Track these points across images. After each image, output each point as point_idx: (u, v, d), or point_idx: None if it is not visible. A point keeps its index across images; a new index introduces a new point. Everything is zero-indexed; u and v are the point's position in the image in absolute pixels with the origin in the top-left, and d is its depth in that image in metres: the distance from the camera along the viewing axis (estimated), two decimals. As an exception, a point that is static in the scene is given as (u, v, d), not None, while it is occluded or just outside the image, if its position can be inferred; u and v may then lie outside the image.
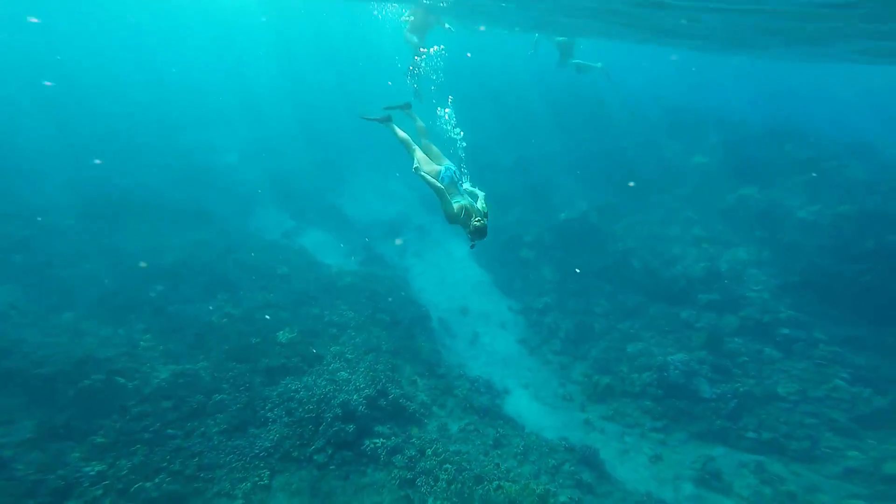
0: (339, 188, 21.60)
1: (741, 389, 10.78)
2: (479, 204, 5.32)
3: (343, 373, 9.77)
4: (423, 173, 5.46)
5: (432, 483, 7.71)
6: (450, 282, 15.99)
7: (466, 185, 5.65)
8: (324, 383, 9.32)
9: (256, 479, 7.60)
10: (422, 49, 12.23)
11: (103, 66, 34.43)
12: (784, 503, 8.42)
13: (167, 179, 18.67)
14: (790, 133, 20.15)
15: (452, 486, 7.63)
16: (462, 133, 6.42)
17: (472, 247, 5.26)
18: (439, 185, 5.35)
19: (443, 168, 5.58)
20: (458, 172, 5.68)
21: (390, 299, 13.44)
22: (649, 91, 27.38)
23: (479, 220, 5.00)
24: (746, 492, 8.67)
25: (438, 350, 12.09)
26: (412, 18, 13.38)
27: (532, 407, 10.89)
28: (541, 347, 13.01)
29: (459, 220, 5.19)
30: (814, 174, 17.42)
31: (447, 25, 13.13)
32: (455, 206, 5.24)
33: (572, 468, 8.48)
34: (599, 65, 13.84)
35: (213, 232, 16.07)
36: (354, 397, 8.89)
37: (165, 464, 7.50)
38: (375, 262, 16.58)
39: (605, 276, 14.79)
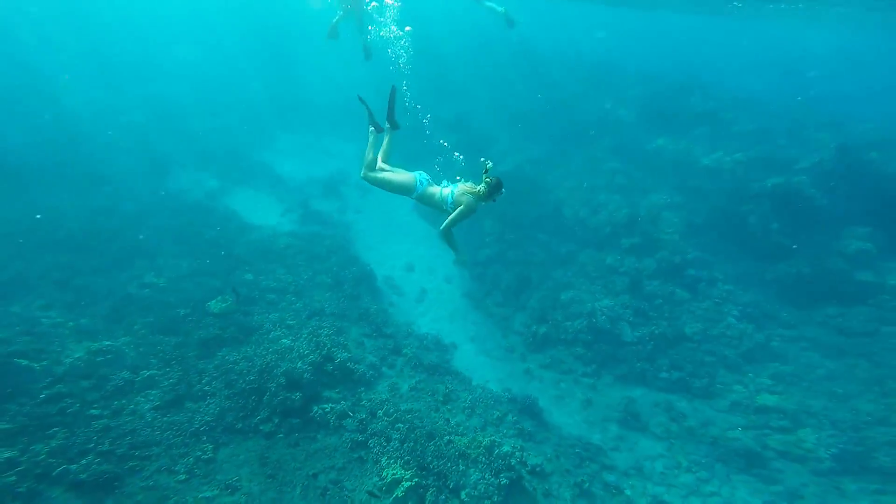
0: (268, 145, 19.37)
1: (657, 332, 11.34)
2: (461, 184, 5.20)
3: (285, 340, 9.01)
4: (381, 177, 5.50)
5: (385, 443, 7.44)
6: (394, 238, 15.19)
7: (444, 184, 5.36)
8: (264, 353, 8.54)
9: (199, 453, 6.93)
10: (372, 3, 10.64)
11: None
12: (685, 437, 9.12)
13: (57, 140, 15.55)
14: (695, 87, 20.77)
15: (405, 445, 7.41)
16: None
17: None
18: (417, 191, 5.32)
19: (416, 174, 5.39)
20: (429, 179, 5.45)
21: (332, 260, 12.47)
22: (580, 46, 26.73)
23: (486, 180, 4.98)
24: (659, 429, 9.32)
25: (385, 309, 11.55)
26: None
27: (478, 360, 10.86)
28: (484, 300, 12.87)
29: (466, 199, 5.04)
30: (713, 126, 18.28)
31: None
32: (442, 190, 5.25)
33: (514, 418, 8.58)
34: (502, 9, 12.90)
35: (120, 196, 13.89)
36: (299, 364, 8.23)
37: (92, 444, 6.56)
38: (314, 221, 15.26)
39: (539, 226, 14.72)
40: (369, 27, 10.45)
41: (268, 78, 23.47)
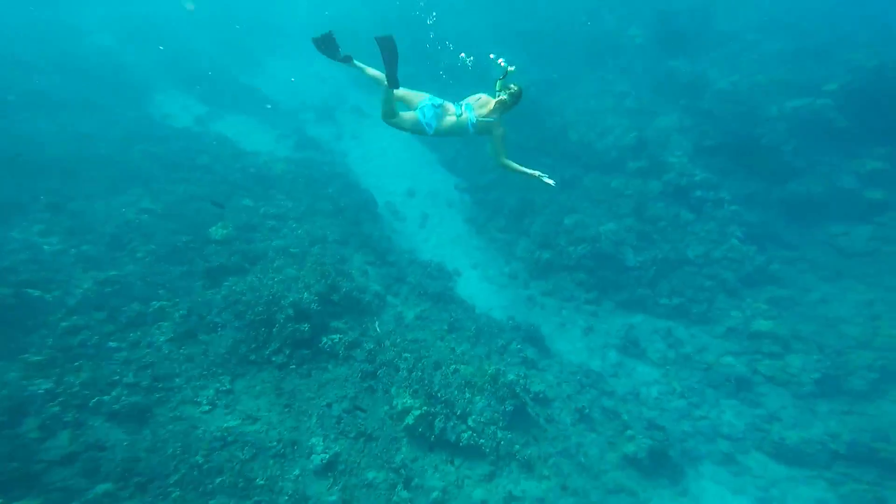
0: (253, 70, 17.53)
1: (659, 256, 11.05)
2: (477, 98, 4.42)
3: (290, 269, 8.67)
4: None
5: (393, 373, 7.48)
6: (394, 163, 14.33)
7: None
8: (270, 283, 8.23)
9: (218, 385, 6.91)
10: None
11: None
12: (680, 364, 9.23)
13: (16, 65, 13.88)
14: (718, 6, 18.44)
15: (413, 374, 7.46)
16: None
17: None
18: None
19: (418, 112, 4.37)
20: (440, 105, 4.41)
21: (332, 186, 11.79)
22: None
23: (511, 89, 4.22)
24: (656, 356, 9.40)
25: (388, 236, 11.16)
26: None
27: (481, 287, 10.71)
28: (486, 225, 12.42)
29: (493, 118, 4.32)
30: (734, 47, 16.51)
31: None
32: (459, 116, 4.35)
33: (518, 346, 8.59)
34: None
35: (104, 122, 12.74)
36: (305, 295, 7.98)
37: (118, 377, 6.51)
38: (310, 147, 14.26)
39: (544, 150, 13.84)
40: None
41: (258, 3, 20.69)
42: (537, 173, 4.46)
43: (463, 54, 4.86)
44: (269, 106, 13.26)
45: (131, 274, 7.94)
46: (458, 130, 4.42)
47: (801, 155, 12.79)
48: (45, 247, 8.19)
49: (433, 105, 4.39)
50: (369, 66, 4.59)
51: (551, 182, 4.52)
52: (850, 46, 15.72)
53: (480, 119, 4.33)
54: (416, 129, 4.47)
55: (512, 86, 4.20)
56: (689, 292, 10.60)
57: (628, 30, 17.72)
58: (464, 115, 4.37)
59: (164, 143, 12.41)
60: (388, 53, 4.16)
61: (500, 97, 4.22)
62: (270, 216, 10.37)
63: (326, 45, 4.42)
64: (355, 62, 4.48)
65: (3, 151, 10.47)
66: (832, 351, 9.22)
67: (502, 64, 4.27)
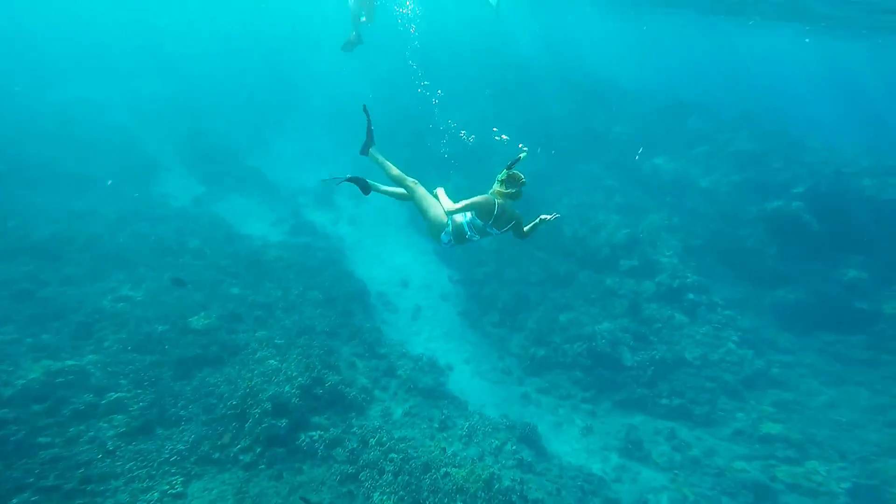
0: (260, 151, 18.89)
1: (657, 356, 11.19)
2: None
3: (272, 361, 8.54)
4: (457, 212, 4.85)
5: (377, 476, 7.03)
6: (389, 252, 14.83)
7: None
8: (249, 374, 8.07)
9: (166, 486, 6.34)
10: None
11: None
12: (689, 468, 8.85)
13: (35, 136, 14.94)
14: (692, 106, 21.12)
15: (399, 478, 7.00)
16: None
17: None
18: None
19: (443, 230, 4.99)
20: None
21: (324, 274, 12.08)
22: (581, 61, 26.95)
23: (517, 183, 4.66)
24: (661, 459, 9.03)
25: (378, 327, 11.19)
26: None
27: (474, 383, 10.51)
28: (481, 319, 12.58)
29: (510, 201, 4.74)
30: (710, 146, 18.50)
31: None
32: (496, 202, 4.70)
33: (513, 447, 8.24)
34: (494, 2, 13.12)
35: (102, 199, 13.32)
36: (286, 388, 7.77)
37: (32, 479, 5.87)
38: (306, 232, 14.85)
39: (538, 244, 14.50)
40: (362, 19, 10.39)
41: (263, 80, 23.19)
42: (546, 217, 4.82)
43: (463, 133, 5.50)
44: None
45: (91, 364, 7.70)
46: (467, 237, 4.91)
47: (784, 260, 13.73)
48: (-3, 336, 7.95)
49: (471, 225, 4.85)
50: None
51: (556, 215, 4.92)
52: (807, 150, 17.70)
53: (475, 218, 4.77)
54: (436, 229, 4.99)
55: (519, 176, 4.64)
56: (689, 393, 10.50)
57: (614, 127, 19.68)
58: (459, 218, 4.87)
59: (157, 224, 12.81)
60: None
61: (510, 190, 4.62)
62: (258, 305, 10.44)
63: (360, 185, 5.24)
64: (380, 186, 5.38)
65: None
66: (856, 458, 8.95)
67: (504, 139, 4.90)
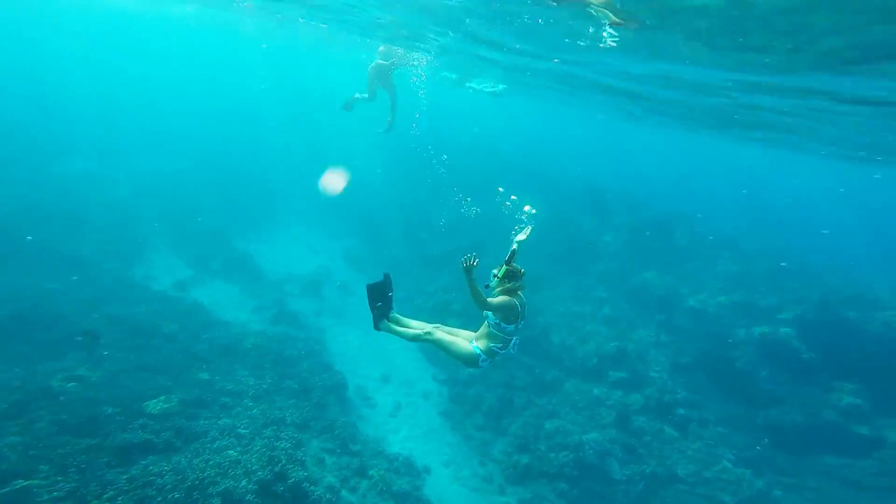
0: (251, 235, 20.00)
1: (647, 470, 11.39)
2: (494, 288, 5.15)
3: (232, 451, 8.43)
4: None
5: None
6: (372, 346, 15.28)
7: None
8: (202, 465, 7.85)
9: None
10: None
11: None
12: None
13: (22, 212, 15.90)
14: (678, 219, 23.38)
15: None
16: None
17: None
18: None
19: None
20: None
21: (303, 365, 12.46)
22: (572, 166, 29.92)
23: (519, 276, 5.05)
24: None
25: (354, 422, 11.30)
26: (383, 62, 13.70)
27: (453, 489, 10.40)
28: (463, 422, 12.73)
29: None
30: (697, 263, 20.16)
31: (414, 62, 13.87)
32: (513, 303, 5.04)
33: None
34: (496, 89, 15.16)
35: (80, 279, 13.80)
36: (243, 483, 7.62)
37: None
38: (287, 322, 15.46)
39: (526, 349, 15.14)
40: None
41: (262, 162, 25.20)
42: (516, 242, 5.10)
43: (468, 200, 6.19)
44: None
45: (8, 446, 7.24)
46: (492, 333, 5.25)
47: (776, 383, 14.57)
48: None
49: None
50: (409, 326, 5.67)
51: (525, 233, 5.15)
52: (787, 274, 19.34)
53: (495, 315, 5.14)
54: (470, 361, 5.22)
55: (519, 269, 5.08)
56: (683, 514, 10.41)
57: (604, 235, 21.44)
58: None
59: (132, 307, 13.10)
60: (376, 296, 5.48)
61: (516, 284, 5.05)
62: (226, 392, 10.48)
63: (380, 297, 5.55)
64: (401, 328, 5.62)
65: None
66: None
67: (514, 198, 5.35)
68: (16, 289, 12.34)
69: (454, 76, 20.84)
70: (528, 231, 5.22)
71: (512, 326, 5.05)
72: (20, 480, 6.77)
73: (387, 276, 5.69)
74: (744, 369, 14.86)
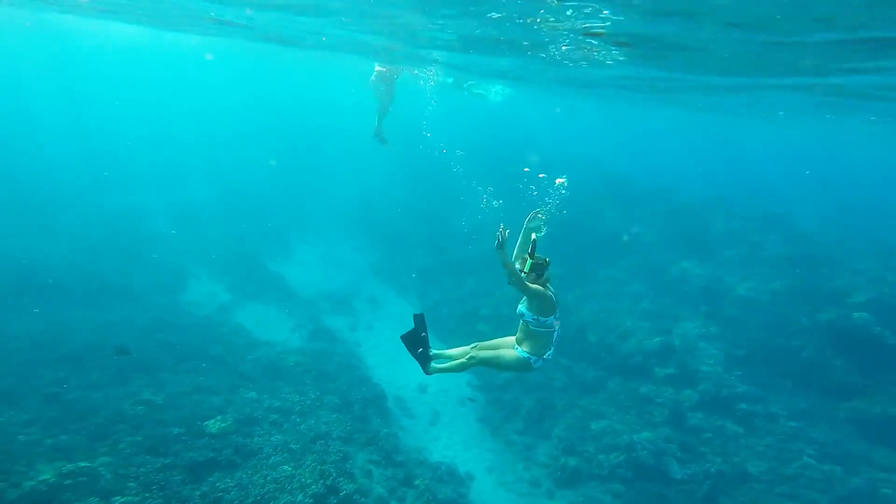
0: (283, 256, 20.56)
1: (712, 469, 10.49)
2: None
3: (286, 466, 8.72)
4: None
5: None
6: (406, 356, 14.98)
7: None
8: (262, 480, 8.26)
9: None
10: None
11: (16, 115, 31.59)
12: None
13: (85, 250, 17.08)
14: (715, 203, 22.01)
15: None
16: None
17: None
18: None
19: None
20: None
21: (341, 379, 12.57)
22: (591, 158, 28.95)
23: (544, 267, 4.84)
24: None
25: (395, 433, 11.15)
26: (382, 69, 13.93)
27: (498, 495, 9.96)
28: (503, 426, 12.27)
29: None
30: (740, 249, 18.84)
31: (416, 71, 13.94)
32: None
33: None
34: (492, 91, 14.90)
35: (134, 309, 14.68)
36: (299, 498, 7.90)
37: None
38: (324, 338, 15.63)
39: (561, 350, 14.54)
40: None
41: (288, 185, 25.78)
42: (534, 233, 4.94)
43: (485, 198, 6.00)
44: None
45: (103, 465, 7.95)
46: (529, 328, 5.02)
47: (857, 373, 13.16)
48: (20, 437, 8.47)
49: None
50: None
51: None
52: (854, 255, 17.70)
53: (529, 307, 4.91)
54: (522, 367, 5.05)
55: (544, 259, 4.85)
56: (762, 513, 9.55)
57: (632, 228, 20.24)
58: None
59: (182, 332, 13.83)
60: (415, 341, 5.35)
61: (543, 276, 4.84)
62: (274, 409, 10.85)
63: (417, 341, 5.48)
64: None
65: (31, 337, 11.83)
66: None
67: (542, 176, 5.12)
68: (84, 321, 13.31)
69: (451, 80, 20.79)
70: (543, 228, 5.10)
71: (551, 318, 4.87)
72: (118, 497, 7.42)
73: (417, 318, 5.61)
74: (813, 359, 13.66)
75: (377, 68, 14.00)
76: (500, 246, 4.42)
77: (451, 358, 5.48)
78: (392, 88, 13.67)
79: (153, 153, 27.75)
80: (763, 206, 23.95)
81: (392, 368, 14.43)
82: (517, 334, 5.11)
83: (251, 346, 13.92)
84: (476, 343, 5.39)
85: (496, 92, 22.61)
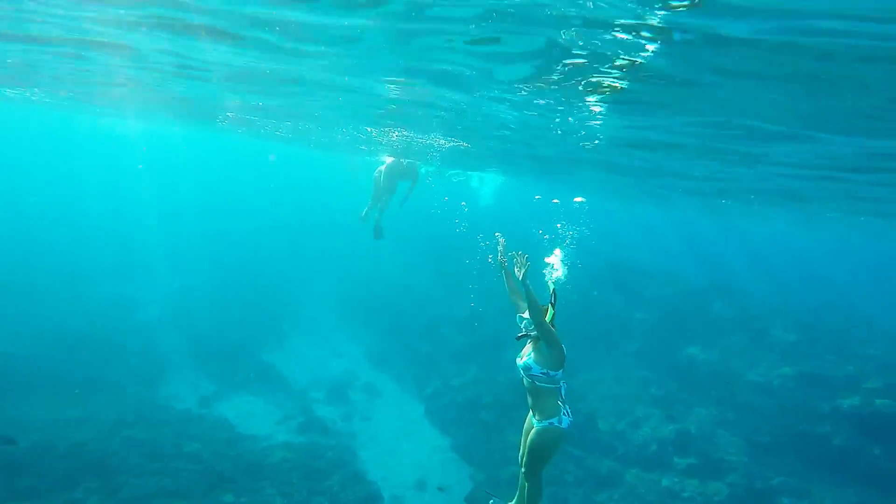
0: (275, 344, 19.71)
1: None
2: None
3: None
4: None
5: None
6: (404, 449, 13.89)
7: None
8: None
9: None
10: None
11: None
12: None
13: (61, 341, 16.23)
14: (716, 290, 22.22)
15: None
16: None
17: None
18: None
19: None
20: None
21: (334, 478, 11.33)
22: (592, 243, 29.30)
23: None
24: None
25: (391, 541, 9.71)
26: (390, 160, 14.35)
27: None
28: (515, 528, 10.83)
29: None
30: (744, 336, 18.72)
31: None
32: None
33: None
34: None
35: (103, 404, 13.59)
36: None
37: None
38: (315, 430, 14.40)
39: (571, 440, 13.56)
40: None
41: (281, 270, 25.37)
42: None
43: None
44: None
45: None
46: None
47: None
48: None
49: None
50: None
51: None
52: (855, 341, 17.53)
53: (536, 358, 4.61)
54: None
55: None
56: None
57: (635, 313, 20.23)
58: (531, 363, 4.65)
59: (155, 427, 12.66)
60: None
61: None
62: None
63: None
64: None
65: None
66: None
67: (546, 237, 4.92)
68: (40, 420, 11.98)
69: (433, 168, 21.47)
70: (559, 258, 5.02)
71: (560, 372, 4.56)
72: None
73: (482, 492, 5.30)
74: (847, 447, 12.86)
75: (389, 161, 14.21)
76: (522, 274, 4.29)
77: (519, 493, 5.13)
78: (394, 183, 13.75)
79: (145, 240, 27.46)
80: (760, 292, 24.26)
81: (389, 463, 13.12)
82: (530, 412, 4.77)
83: (233, 442, 12.67)
84: (520, 466, 5.06)
85: (481, 179, 23.51)
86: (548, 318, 4.50)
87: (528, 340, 4.74)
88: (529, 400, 4.73)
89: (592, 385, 16.22)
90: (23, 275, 20.29)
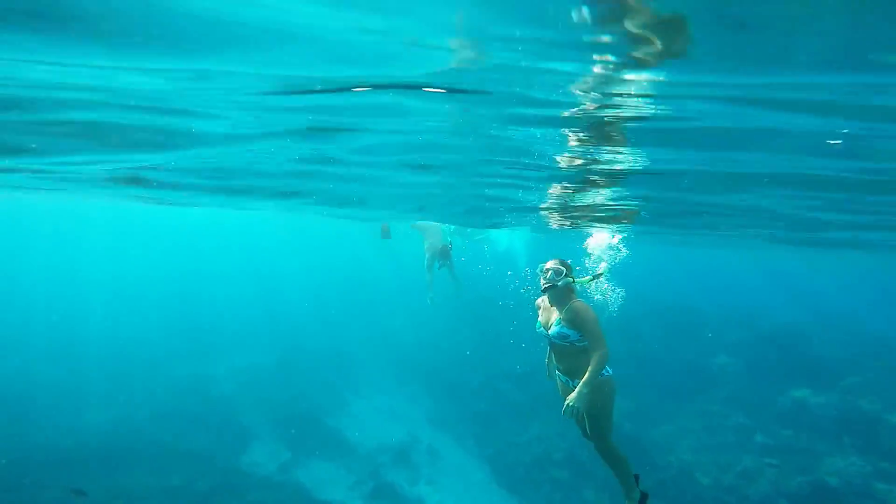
0: (338, 411, 19.79)
1: None
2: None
3: None
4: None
5: None
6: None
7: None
8: None
9: None
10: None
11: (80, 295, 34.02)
12: None
13: (153, 417, 17.38)
14: (803, 330, 20.24)
15: None
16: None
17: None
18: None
19: None
20: None
21: None
22: (658, 291, 27.60)
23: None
24: None
25: None
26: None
27: None
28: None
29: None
30: (862, 376, 16.36)
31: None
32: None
33: None
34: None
35: (195, 474, 14.17)
36: None
37: None
38: (385, 495, 14.14)
39: (664, 496, 11.83)
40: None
41: (342, 338, 25.83)
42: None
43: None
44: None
45: None
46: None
47: None
48: None
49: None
50: None
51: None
52: None
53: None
54: None
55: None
56: None
57: (714, 359, 18.41)
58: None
59: (242, 495, 13.19)
60: None
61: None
62: None
63: None
64: None
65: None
66: None
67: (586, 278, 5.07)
68: (145, 487, 12.97)
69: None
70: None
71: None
72: None
73: None
74: None
75: (433, 246, 14.20)
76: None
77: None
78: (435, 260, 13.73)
79: (217, 322, 29.34)
80: (859, 329, 21.58)
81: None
82: (560, 381, 4.92)
83: (313, 508, 12.47)
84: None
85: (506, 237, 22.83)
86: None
87: (548, 303, 4.96)
88: (561, 366, 4.85)
89: (677, 437, 14.44)
90: (111, 359, 22.26)
